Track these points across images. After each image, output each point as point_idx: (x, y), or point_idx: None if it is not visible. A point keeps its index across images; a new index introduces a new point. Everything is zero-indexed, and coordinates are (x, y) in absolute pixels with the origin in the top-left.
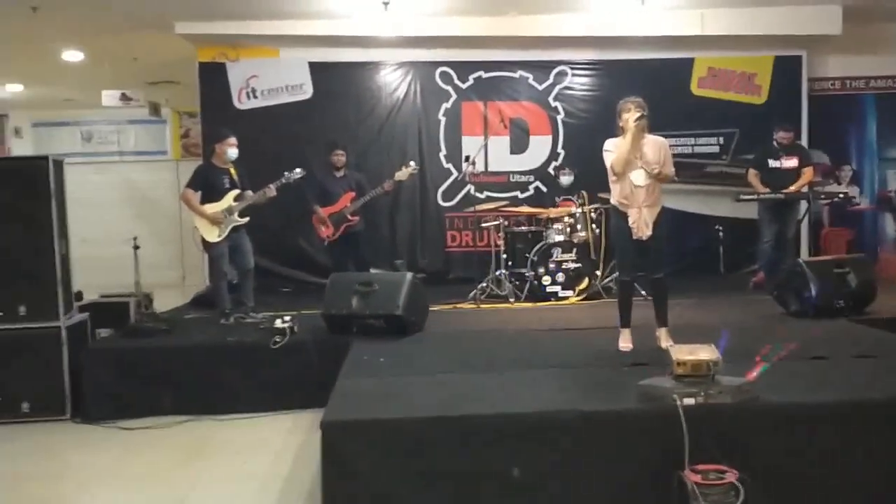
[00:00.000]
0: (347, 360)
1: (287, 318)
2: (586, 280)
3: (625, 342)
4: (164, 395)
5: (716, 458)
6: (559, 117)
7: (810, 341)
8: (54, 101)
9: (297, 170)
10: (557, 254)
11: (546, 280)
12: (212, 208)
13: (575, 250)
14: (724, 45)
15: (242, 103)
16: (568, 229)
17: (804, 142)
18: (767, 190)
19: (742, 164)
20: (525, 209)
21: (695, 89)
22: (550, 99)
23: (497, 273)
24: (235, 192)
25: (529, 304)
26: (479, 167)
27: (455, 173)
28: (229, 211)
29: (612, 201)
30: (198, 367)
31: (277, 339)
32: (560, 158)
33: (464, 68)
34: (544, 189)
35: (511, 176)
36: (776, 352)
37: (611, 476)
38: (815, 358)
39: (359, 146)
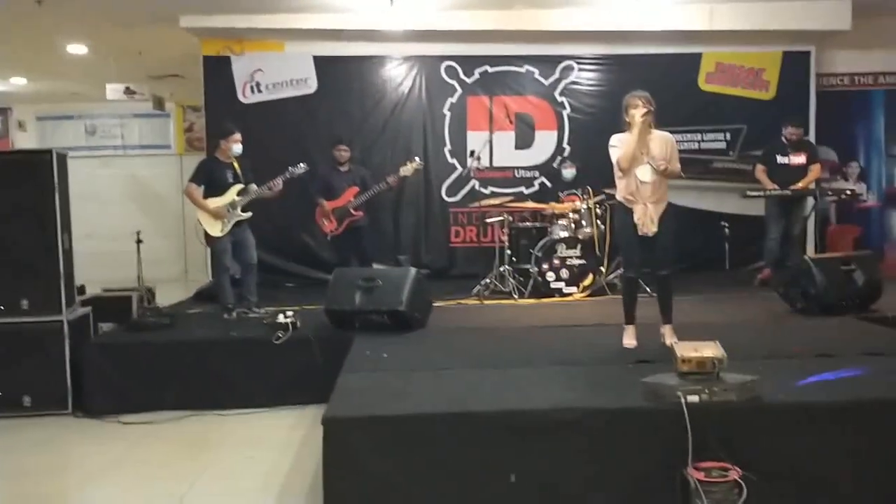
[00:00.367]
0: (350, 356)
1: (290, 313)
2: (591, 276)
3: (629, 339)
4: (167, 390)
5: (719, 456)
6: (565, 112)
7: (816, 339)
8: (58, 95)
9: (301, 165)
10: (562, 250)
11: (550, 276)
12: (215, 203)
13: (579, 246)
14: (732, 40)
15: (247, 97)
16: (573, 225)
17: (811, 138)
18: (775, 186)
19: (749, 160)
20: (529, 205)
21: (702, 85)
22: (556, 94)
23: (501, 269)
24: (239, 186)
25: (533, 301)
26: (484, 162)
27: (460, 168)
28: (232, 206)
29: (618, 197)
30: (200, 362)
31: (280, 335)
32: (566, 154)
33: (469, 63)
34: (549, 185)
35: (516, 171)
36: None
37: (614, 472)
38: (820, 355)
39: (363, 141)
